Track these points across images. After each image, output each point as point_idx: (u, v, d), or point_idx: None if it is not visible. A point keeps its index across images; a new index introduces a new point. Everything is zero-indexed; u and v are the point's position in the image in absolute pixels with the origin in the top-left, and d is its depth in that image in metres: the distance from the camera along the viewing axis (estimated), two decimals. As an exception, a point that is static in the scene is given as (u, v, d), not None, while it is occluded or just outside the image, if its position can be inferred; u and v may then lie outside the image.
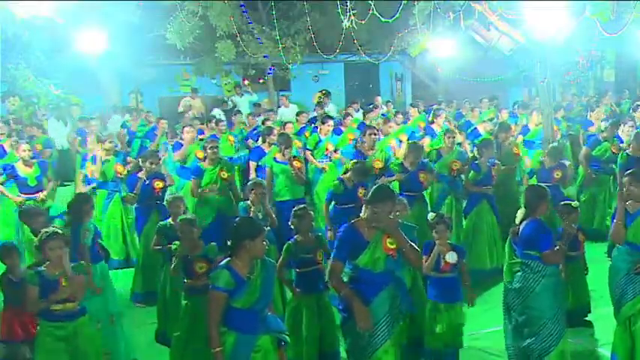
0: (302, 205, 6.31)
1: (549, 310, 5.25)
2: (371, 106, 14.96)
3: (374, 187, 5.06)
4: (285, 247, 5.92)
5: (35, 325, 5.26)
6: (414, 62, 20.20)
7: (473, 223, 8.34)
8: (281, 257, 5.91)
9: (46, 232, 5.02)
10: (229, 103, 18.72)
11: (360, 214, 4.87)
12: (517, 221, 5.47)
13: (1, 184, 8.81)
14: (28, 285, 4.90)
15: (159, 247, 6.52)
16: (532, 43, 10.56)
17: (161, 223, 6.78)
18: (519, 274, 5.36)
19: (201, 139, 10.48)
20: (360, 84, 23.59)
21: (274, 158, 8.80)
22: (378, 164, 8.75)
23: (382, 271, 4.69)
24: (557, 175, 8.46)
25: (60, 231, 5.11)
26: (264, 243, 4.47)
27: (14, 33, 9.30)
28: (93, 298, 5.94)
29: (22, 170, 8.64)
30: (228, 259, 4.41)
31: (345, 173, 7.79)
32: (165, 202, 7.21)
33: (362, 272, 4.69)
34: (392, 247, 4.68)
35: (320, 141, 10.89)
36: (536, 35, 9.95)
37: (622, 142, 9.97)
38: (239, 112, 14.43)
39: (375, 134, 9.30)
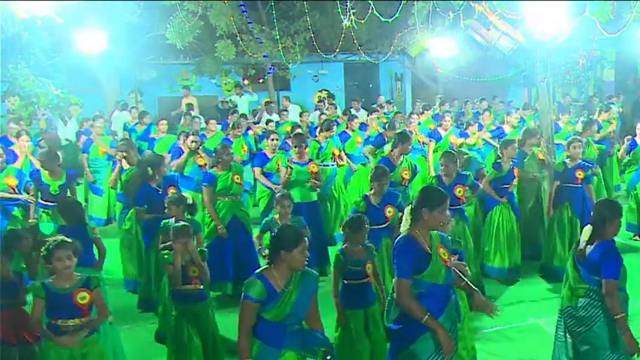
0: (357, 215, 5.84)
1: (613, 343, 4.72)
2: (374, 105, 14.96)
3: (426, 190, 4.56)
4: (335, 258, 5.56)
5: (28, 332, 5.08)
6: (413, 62, 20.21)
7: (492, 220, 8.22)
8: (333, 271, 5.56)
9: (55, 240, 4.75)
10: (229, 103, 18.73)
11: (405, 227, 4.42)
12: (583, 239, 4.88)
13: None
14: (33, 299, 4.63)
15: (163, 246, 6.29)
16: (532, 43, 10.55)
17: (164, 221, 6.58)
18: (583, 299, 4.81)
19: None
20: (360, 84, 23.61)
21: (291, 159, 8.44)
22: (407, 174, 8.39)
23: (444, 282, 4.35)
24: (580, 175, 8.25)
25: (69, 240, 4.82)
26: (305, 254, 4.14)
27: (14, 33, 9.31)
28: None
29: (46, 177, 8.15)
30: (266, 266, 4.19)
31: (370, 190, 7.02)
32: (165, 202, 6.85)
33: (428, 287, 4.29)
34: (445, 257, 4.37)
35: (321, 148, 10.30)
36: (536, 35, 9.94)
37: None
38: (236, 112, 14.38)
39: (410, 144, 8.76)
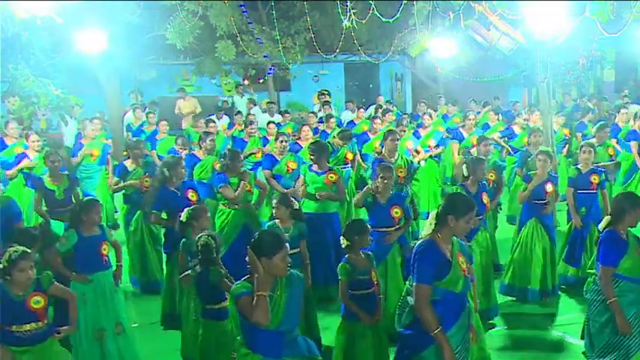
0: (358, 219, 5.63)
1: (609, 325, 4.96)
2: (374, 107, 14.86)
3: (455, 196, 4.51)
4: (340, 269, 5.37)
5: None
6: (414, 62, 20.23)
7: (521, 241, 7.56)
8: (342, 281, 5.36)
9: (16, 251, 4.59)
10: (228, 102, 18.75)
11: (428, 232, 4.34)
12: (600, 228, 5.15)
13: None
14: None
15: (184, 265, 5.97)
16: (532, 43, 10.56)
17: (184, 240, 6.08)
18: (592, 284, 5.12)
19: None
20: (360, 84, 23.63)
21: (309, 167, 7.95)
22: (402, 172, 8.20)
23: (461, 291, 4.27)
24: (595, 179, 7.81)
25: (29, 250, 4.70)
26: (286, 260, 4.01)
27: (14, 33, 9.30)
28: (99, 306, 5.77)
29: (49, 182, 7.96)
30: (247, 276, 4.02)
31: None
32: (183, 217, 6.18)
33: (444, 294, 4.20)
34: (463, 266, 4.30)
35: (334, 151, 10.14)
36: (536, 35, 9.94)
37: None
38: (240, 112, 14.39)
39: (396, 139, 8.61)
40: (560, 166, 11.65)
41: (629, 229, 5.10)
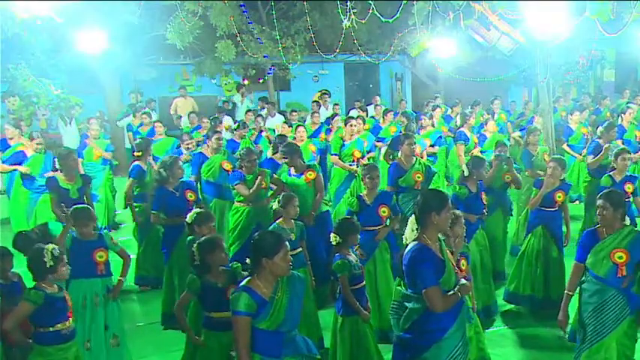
0: (347, 218, 5.69)
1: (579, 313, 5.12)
2: (372, 106, 14.82)
3: (428, 194, 4.44)
4: (339, 266, 5.32)
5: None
6: (413, 62, 20.24)
7: (527, 249, 7.25)
8: (342, 278, 5.31)
9: (54, 248, 4.77)
10: (230, 103, 18.73)
11: (412, 237, 4.31)
12: None
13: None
14: (25, 302, 4.62)
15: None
16: (532, 43, 10.58)
17: (190, 237, 5.82)
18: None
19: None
20: (360, 84, 23.65)
21: (288, 172, 7.76)
22: (420, 177, 7.88)
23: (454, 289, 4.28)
24: (629, 188, 7.38)
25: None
26: (287, 259, 4.03)
27: (14, 33, 9.32)
28: (81, 315, 5.57)
29: (63, 181, 7.82)
30: (248, 278, 4.04)
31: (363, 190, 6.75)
32: (189, 219, 5.96)
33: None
34: (453, 261, 4.36)
35: (344, 145, 10.13)
36: (536, 35, 9.96)
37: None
38: (249, 110, 14.29)
39: (414, 144, 8.16)
40: (572, 168, 11.51)
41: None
